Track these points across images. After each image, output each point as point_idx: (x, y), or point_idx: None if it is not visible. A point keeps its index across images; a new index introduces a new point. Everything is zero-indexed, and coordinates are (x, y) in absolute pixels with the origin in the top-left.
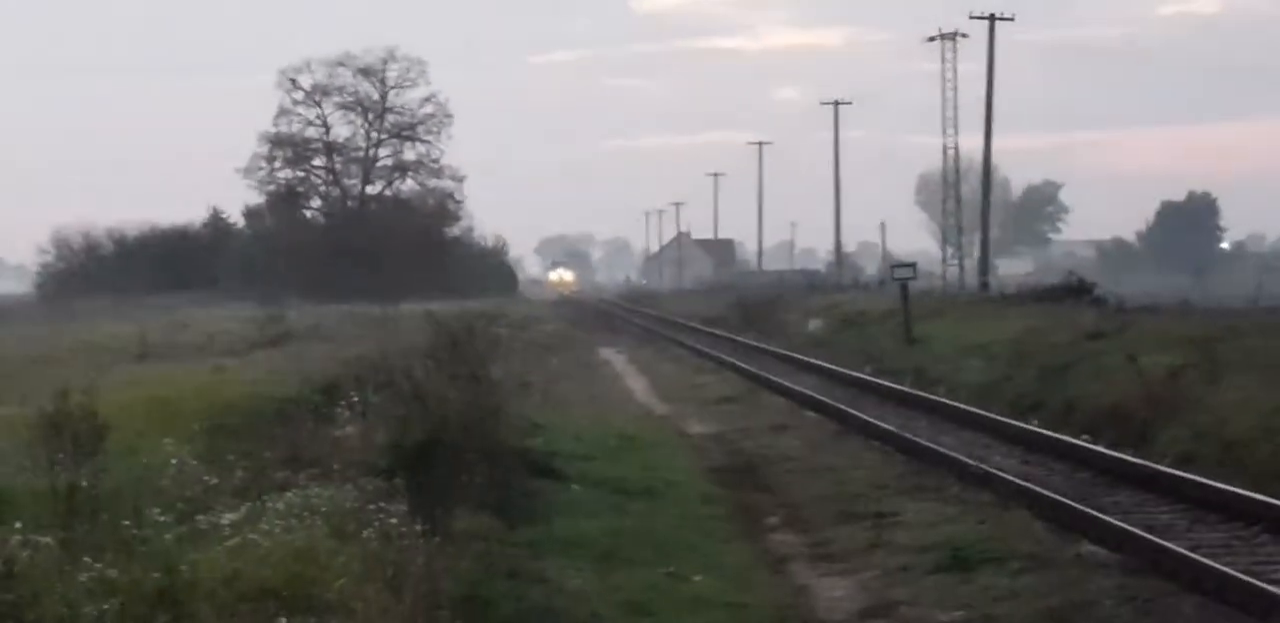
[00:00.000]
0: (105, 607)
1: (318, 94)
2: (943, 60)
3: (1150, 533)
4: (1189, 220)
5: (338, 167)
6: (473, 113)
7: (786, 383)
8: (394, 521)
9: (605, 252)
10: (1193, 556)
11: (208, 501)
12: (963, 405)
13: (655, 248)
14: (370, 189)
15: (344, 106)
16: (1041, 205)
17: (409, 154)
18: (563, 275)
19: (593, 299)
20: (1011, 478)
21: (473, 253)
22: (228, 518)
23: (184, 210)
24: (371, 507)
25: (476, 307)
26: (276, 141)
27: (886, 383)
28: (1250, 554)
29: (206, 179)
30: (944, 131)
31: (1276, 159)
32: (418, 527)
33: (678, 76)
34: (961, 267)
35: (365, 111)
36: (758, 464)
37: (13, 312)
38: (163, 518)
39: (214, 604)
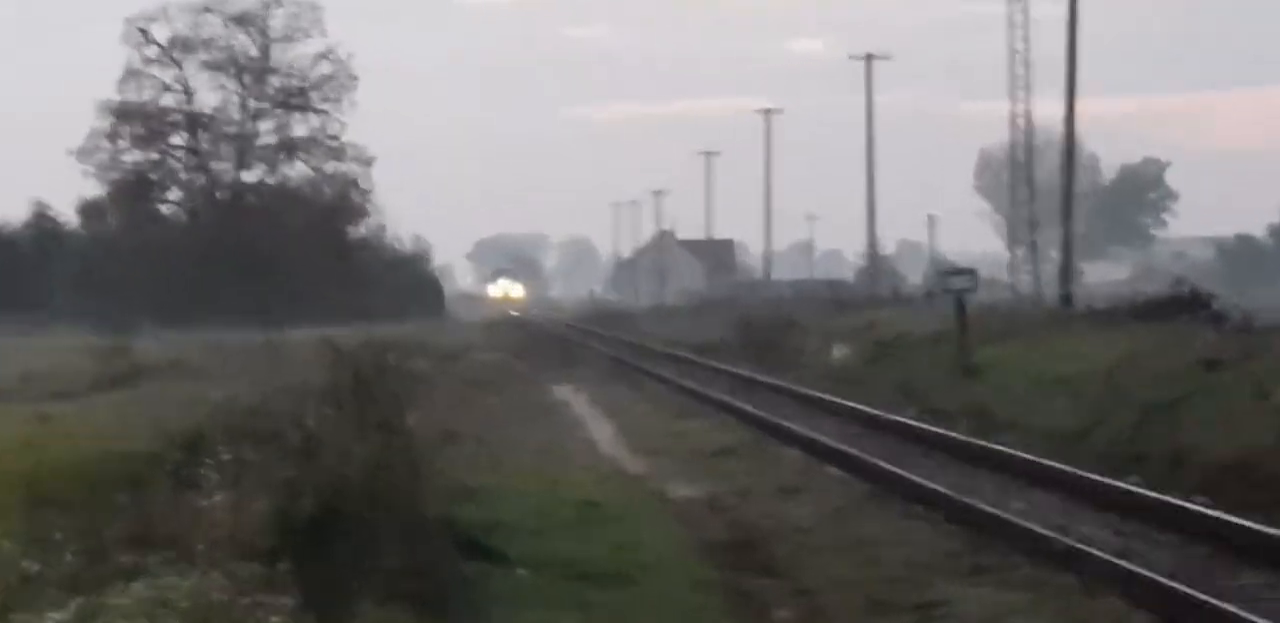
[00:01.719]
0: None
1: (176, 50)
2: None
3: None
4: None
5: (204, 146)
6: (383, 75)
7: (802, 429)
8: (277, 619)
9: (562, 258)
10: None
11: (28, 595)
12: (1037, 458)
13: (628, 252)
14: (248, 175)
15: (212, 66)
16: (1142, 192)
17: (299, 129)
18: (508, 289)
19: (546, 320)
20: (1102, 555)
21: (385, 260)
22: (54, 618)
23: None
24: (247, 601)
25: (391, 332)
26: (122, 113)
27: (935, 429)
28: None
29: (28, 164)
30: (1012, 95)
31: None
32: None
33: (657, 24)
34: (1036, 273)
35: (240, 73)
36: (764, 539)
37: None
38: None
39: None
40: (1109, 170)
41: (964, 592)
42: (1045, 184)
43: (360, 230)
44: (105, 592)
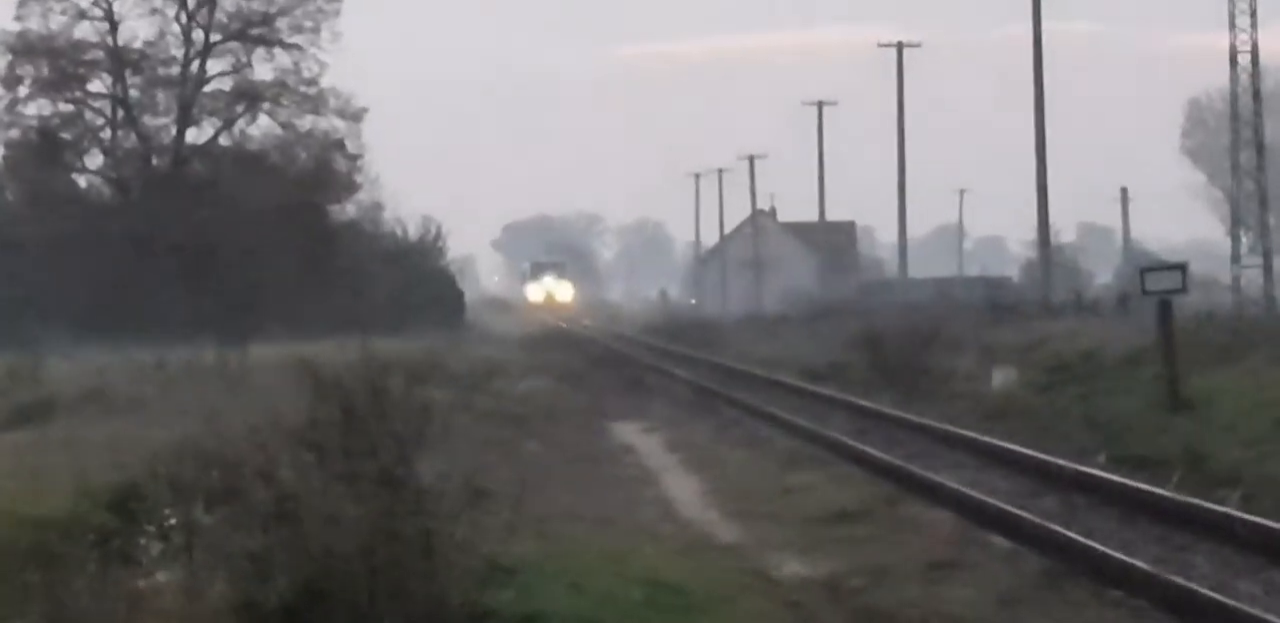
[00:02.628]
0: None
1: None
2: None
3: None
4: None
5: (134, 94)
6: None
7: (953, 484)
8: None
9: (622, 247)
10: None
11: None
12: (1273, 524)
13: (713, 239)
14: (194, 135)
15: None
16: None
17: (263, 71)
18: (553, 290)
19: (602, 332)
20: None
21: (382, 251)
22: None
23: None
24: None
25: (392, 349)
26: (21, 50)
27: (1133, 483)
28: None
29: None
30: (1231, 23)
31: None
32: None
33: None
34: (1269, 269)
35: None
36: None
37: None
38: None
39: None
40: None
41: None
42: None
43: (348, 210)
44: None
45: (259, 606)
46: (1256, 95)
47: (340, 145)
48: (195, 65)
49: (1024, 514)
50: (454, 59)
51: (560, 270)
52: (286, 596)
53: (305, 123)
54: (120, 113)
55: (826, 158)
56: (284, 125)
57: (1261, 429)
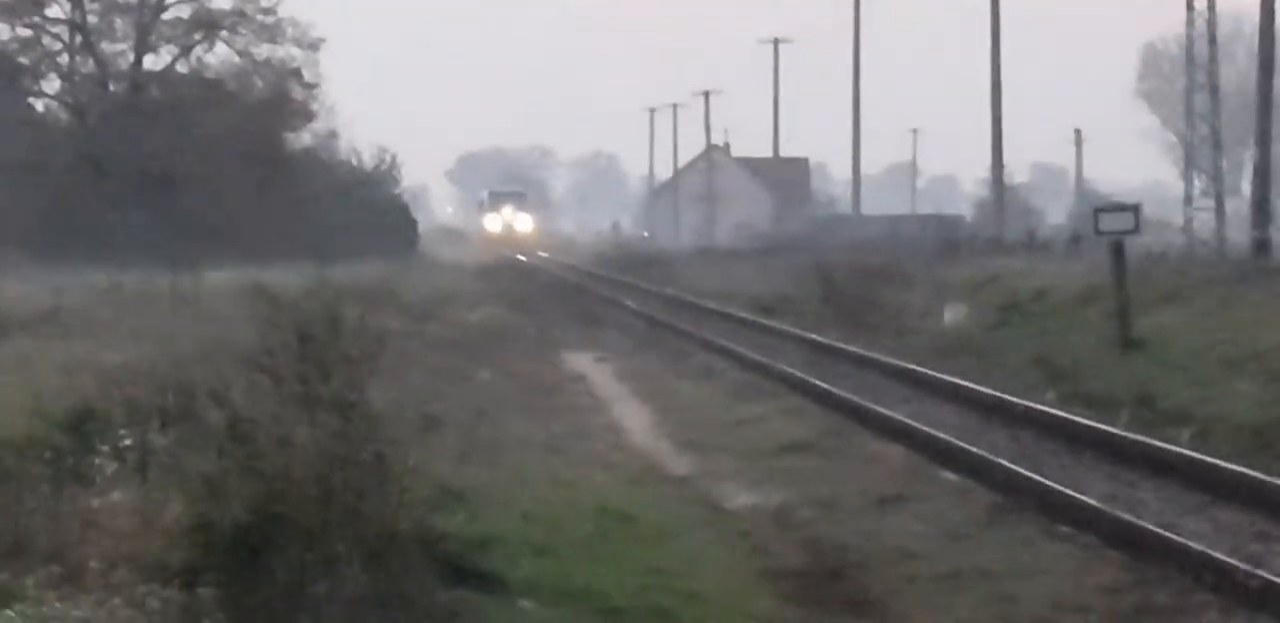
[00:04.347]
0: None
1: None
2: None
3: None
4: None
5: (92, 20)
6: None
7: (904, 418)
8: None
9: (576, 179)
10: None
11: None
12: (1223, 463)
13: (667, 173)
14: (151, 61)
15: None
16: None
17: None
18: (511, 220)
19: (555, 263)
20: None
21: (337, 179)
22: None
23: None
24: None
25: (346, 276)
26: None
27: (1084, 420)
28: None
29: None
30: None
31: None
32: None
33: None
34: (1220, 211)
35: None
36: (855, 566)
37: None
38: None
39: None
40: None
41: None
42: (1234, 90)
43: (303, 138)
44: None
45: (213, 526)
46: (1212, 40)
47: (297, 74)
48: None
49: (972, 448)
50: None
51: (520, 201)
52: (240, 517)
53: (262, 51)
54: (78, 38)
55: (782, 95)
56: (241, 53)
57: (1210, 369)
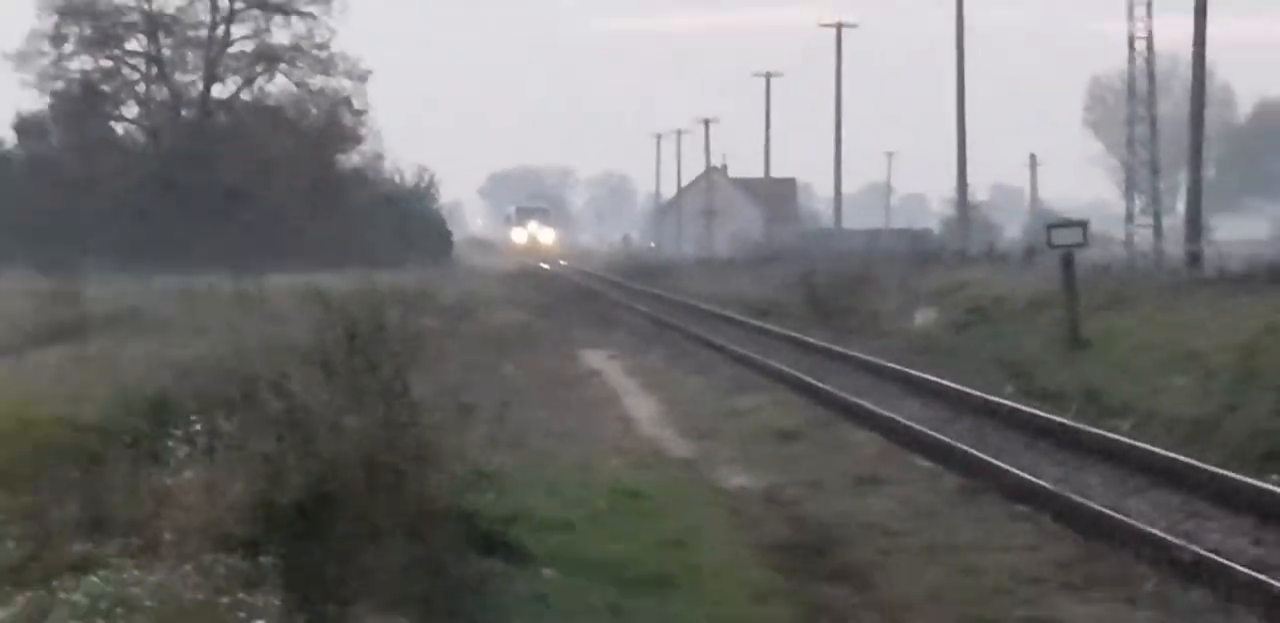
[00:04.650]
0: None
1: None
2: None
3: None
4: None
5: (166, 53)
6: None
7: (879, 409)
8: None
9: (592, 197)
10: None
11: None
12: (1161, 450)
13: (671, 191)
14: (218, 90)
15: None
16: None
17: (280, 35)
18: (536, 233)
19: (573, 271)
20: (1240, 567)
21: (382, 195)
22: None
23: None
24: (225, 601)
25: (390, 281)
26: (67, 11)
27: (1039, 412)
28: None
29: None
30: (1129, 11)
31: None
32: None
33: None
34: (1158, 228)
35: None
36: (837, 541)
37: None
38: None
39: None
40: (1246, 105)
41: (1078, 609)
42: (1169, 120)
43: (352, 159)
44: (55, 586)
45: (272, 503)
46: (1151, 77)
47: (347, 102)
48: (221, 29)
49: (940, 436)
50: (453, 26)
51: (544, 216)
52: (296, 495)
53: (317, 82)
54: (154, 69)
55: (773, 122)
56: (298, 84)
57: (1149, 367)
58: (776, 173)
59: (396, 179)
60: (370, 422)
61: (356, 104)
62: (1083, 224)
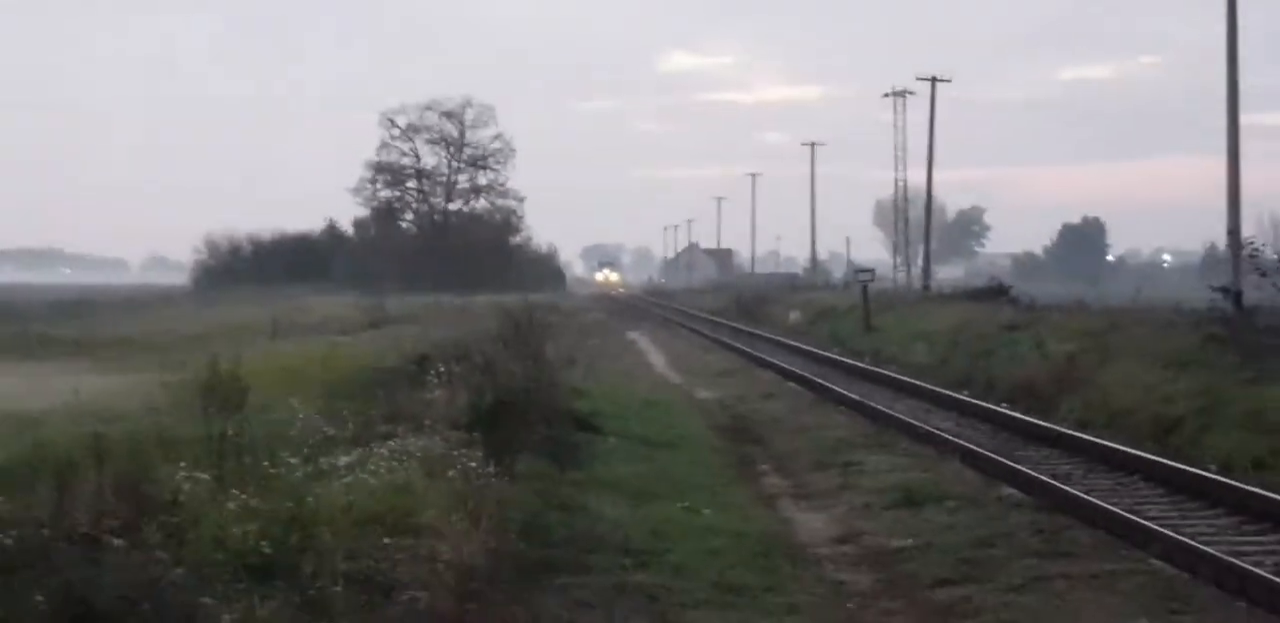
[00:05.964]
0: (248, 528)
1: (411, 131)
2: (895, 112)
3: (1056, 480)
4: (1083, 239)
5: (426, 188)
6: (532, 146)
7: (773, 360)
8: (473, 464)
9: (632, 257)
10: (1088, 498)
11: (327, 447)
12: (910, 379)
13: (671, 255)
14: (451, 206)
15: (431, 141)
16: (970, 225)
17: (481, 179)
18: (609, 275)
19: (625, 296)
20: (947, 436)
21: (530, 257)
22: (343, 461)
23: (307, 220)
24: (455, 453)
25: (534, 300)
26: (378, 168)
27: (851, 361)
28: (1131, 497)
29: (324, 196)
30: (896, 168)
31: (1148, 192)
32: (490, 469)
33: (691, 121)
34: (909, 272)
35: (448, 145)
36: (752, 423)
37: (173, 299)
38: (292, 460)
39: (333, 528)
40: (951, 212)
41: (870, 457)
42: (915, 220)
43: (516, 239)
44: (373, 446)
45: (479, 408)
46: (905, 199)
47: (514, 212)
48: (453, 177)
49: (803, 373)
50: (573, 175)
51: (612, 266)
52: (491, 402)
53: (499, 202)
54: (420, 196)
55: (721, 224)
56: (490, 203)
57: (904, 339)
58: (724, 245)
59: (538, 249)
60: (525, 367)
61: (519, 213)
62: (872, 270)
